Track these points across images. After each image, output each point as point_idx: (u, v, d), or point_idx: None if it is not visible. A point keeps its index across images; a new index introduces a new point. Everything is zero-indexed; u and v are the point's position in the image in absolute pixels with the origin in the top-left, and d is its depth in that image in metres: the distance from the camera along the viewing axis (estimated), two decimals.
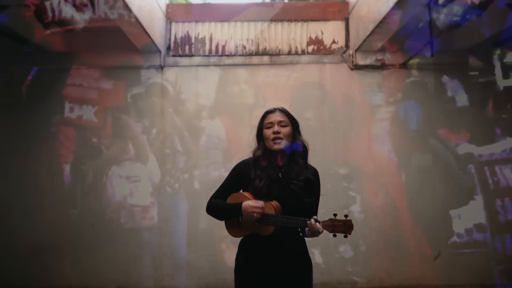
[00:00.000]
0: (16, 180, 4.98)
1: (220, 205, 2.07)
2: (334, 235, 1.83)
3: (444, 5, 3.70)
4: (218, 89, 5.19)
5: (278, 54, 5.33)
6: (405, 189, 4.96)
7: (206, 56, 5.32)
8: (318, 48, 5.34)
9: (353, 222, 1.80)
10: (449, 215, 4.86)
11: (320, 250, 4.72)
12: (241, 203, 1.96)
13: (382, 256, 4.85)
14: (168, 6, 5.43)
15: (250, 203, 1.93)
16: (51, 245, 4.82)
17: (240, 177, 2.08)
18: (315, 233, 1.85)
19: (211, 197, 2.14)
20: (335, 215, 1.84)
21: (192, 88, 5.20)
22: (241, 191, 2.09)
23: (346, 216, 1.82)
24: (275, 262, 1.94)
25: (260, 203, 1.92)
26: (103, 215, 4.93)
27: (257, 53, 5.33)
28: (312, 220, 1.84)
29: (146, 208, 4.99)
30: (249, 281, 1.98)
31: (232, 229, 2.06)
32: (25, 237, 4.85)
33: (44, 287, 4.73)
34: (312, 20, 5.40)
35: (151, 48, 5.03)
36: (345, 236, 1.81)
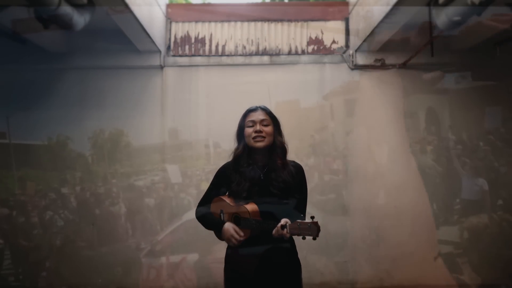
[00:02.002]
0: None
1: (205, 217, 2.08)
2: (303, 238, 1.78)
3: (444, 5, 3.70)
4: (218, 89, 5.19)
5: (278, 54, 5.33)
6: (405, 189, 4.94)
7: (206, 56, 5.32)
8: (318, 48, 5.34)
9: (319, 224, 1.73)
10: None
11: (320, 250, 4.71)
12: (223, 223, 1.96)
13: (382, 256, 4.84)
14: (168, 6, 5.42)
15: (231, 230, 1.92)
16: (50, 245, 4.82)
17: (222, 181, 2.06)
18: (281, 236, 1.81)
19: (198, 203, 2.13)
20: (312, 217, 1.78)
21: (192, 88, 5.20)
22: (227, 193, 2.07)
23: (312, 218, 1.77)
24: (258, 264, 1.93)
25: (241, 234, 1.91)
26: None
27: (257, 53, 5.32)
28: (279, 225, 1.81)
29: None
30: (235, 282, 1.99)
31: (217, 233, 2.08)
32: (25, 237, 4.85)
33: (44, 287, 4.72)
34: (312, 20, 5.40)
35: (151, 48, 5.02)
36: (314, 239, 1.76)
